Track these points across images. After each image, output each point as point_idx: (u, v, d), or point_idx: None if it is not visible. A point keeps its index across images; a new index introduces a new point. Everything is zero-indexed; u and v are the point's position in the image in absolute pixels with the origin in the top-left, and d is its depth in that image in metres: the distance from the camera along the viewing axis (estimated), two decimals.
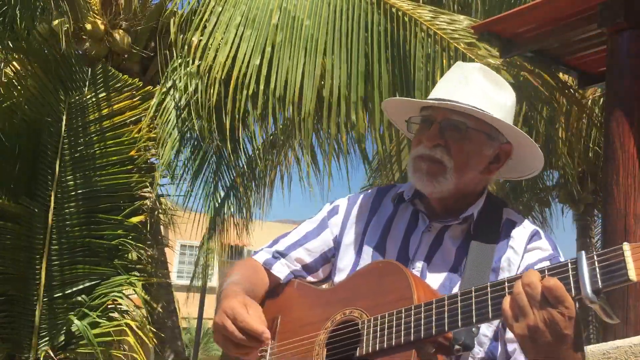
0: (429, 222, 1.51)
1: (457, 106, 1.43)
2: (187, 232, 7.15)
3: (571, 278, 1.07)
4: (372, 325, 1.33)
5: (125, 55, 6.41)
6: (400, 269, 1.39)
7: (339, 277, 1.57)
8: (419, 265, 1.47)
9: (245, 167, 7.14)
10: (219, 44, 4.44)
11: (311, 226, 1.66)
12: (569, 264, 1.08)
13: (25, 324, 5.28)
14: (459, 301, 1.21)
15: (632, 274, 1.00)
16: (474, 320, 1.18)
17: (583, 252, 1.07)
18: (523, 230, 1.46)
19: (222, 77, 4.40)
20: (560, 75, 5.03)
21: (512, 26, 3.91)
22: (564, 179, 7.82)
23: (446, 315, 1.22)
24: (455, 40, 4.25)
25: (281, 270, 1.61)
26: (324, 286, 1.66)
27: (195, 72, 4.60)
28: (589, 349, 2.39)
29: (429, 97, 1.53)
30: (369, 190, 1.69)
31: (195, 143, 6.39)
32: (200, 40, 4.54)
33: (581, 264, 1.05)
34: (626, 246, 1.02)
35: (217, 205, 7.42)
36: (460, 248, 1.45)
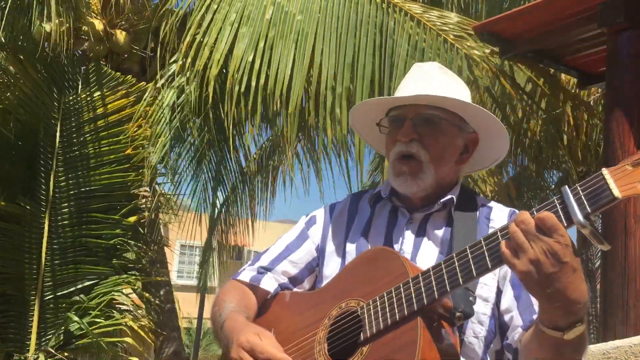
0: (410, 215, 1.54)
1: (430, 97, 1.47)
2: (187, 232, 7.14)
3: (560, 211, 1.12)
4: (371, 308, 1.33)
5: (125, 56, 6.41)
6: (389, 251, 1.41)
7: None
8: (407, 256, 1.49)
9: (245, 167, 7.14)
10: (215, 41, 4.44)
11: (291, 238, 1.67)
12: (555, 200, 1.13)
13: (24, 324, 5.27)
14: (455, 261, 1.23)
15: (616, 192, 1.06)
16: (474, 274, 1.20)
17: (566, 186, 1.13)
18: (501, 213, 1.52)
19: (217, 74, 4.40)
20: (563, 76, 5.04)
21: (512, 26, 3.91)
22: (564, 178, 7.81)
23: (446, 277, 1.24)
24: (444, 32, 4.24)
25: (269, 283, 1.60)
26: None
27: (190, 70, 4.57)
28: (589, 349, 2.38)
29: (394, 95, 1.56)
30: (343, 199, 1.72)
31: (193, 141, 6.39)
32: (195, 38, 4.53)
33: (567, 195, 1.11)
34: (605, 171, 1.09)
35: (218, 205, 7.42)
36: (444, 233, 1.49)
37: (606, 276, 3.31)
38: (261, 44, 4.34)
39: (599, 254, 7.39)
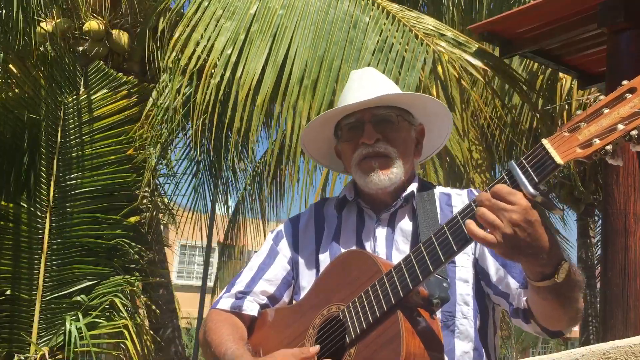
0: (377, 217, 1.58)
1: (391, 96, 1.55)
2: (187, 232, 7.15)
3: (511, 185, 1.17)
4: (352, 310, 1.36)
5: (126, 56, 6.40)
6: (360, 252, 1.46)
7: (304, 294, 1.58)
8: (382, 255, 1.53)
9: (252, 168, 7.13)
10: (200, 36, 4.47)
11: (262, 258, 1.68)
12: (505, 176, 1.18)
13: (24, 324, 5.28)
14: (423, 250, 1.28)
15: (558, 160, 1.12)
16: (442, 259, 1.25)
17: (512, 161, 1.18)
18: (459, 197, 1.60)
19: (196, 68, 4.42)
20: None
21: (512, 26, 3.91)
22: (564, 178, 7.82)
23: (417, 267, 1.28)
24: (415, 28, 4.26)
25: (251, 307, 1.60)
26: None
27: (175, 65, 4.56)
28: (589, 349, 2.38)
29: (344, 104, 1.59)
30: (306, 210, 1.75)
31: (190, 142, 6.40)
32: (182, 34, 4.54)
33: (515, 170, 1.16)
34: (545, 141, 1.14)
35: (221, 207, 7.43)
36: (411, 226, 1.55)
37: (606, 276, 3.31)
38: (241, 37, 4.38)
39: (599, 253, 7.39)
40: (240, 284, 1.63)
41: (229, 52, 4.35)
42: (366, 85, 1.61)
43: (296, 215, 1.74)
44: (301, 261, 1.63)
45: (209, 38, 4.44)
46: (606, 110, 1.10)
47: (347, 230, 1.61)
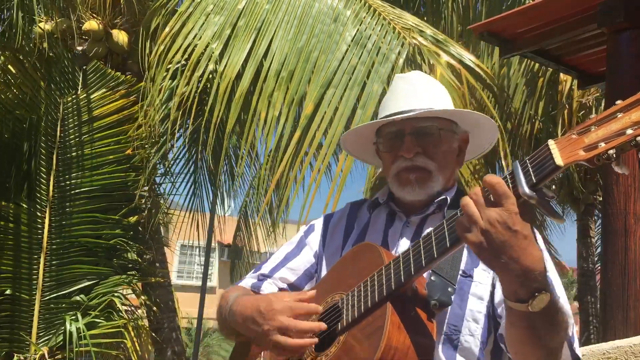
0: (407, 219, 1.57)
1: (425, 113, 1.52)
2: (187, 232, 7.14)
3: (510, 184, 1.13)
4: (349, 299, 1.38)
5: (125, 55, 6.40)
6: (371, 245, 1.46)
7: None
8: None
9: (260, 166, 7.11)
10: (189, 31, 4.49)
11: (290, 247, 1.72)
12: (507, 174, 1.15)
13: (24, 324, 5.27)
14: (421, 244, 1.27)
15: (558, 161, 1.08)
16: (435, 254, 1.23)
17: (517, 160, 1.15)
18: None
19: (181, 62, 4.44)
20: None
21: (512, 26, 3.91)
22: (564, 179, 7.81)
23: (412, 260, 1.27)
24: (393, 22, 4.26)
25: (269, 289, 1.64)
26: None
27: (163, 60, 4.56)
28: (589, 348, 2.38)
29: (387, 114, 1.58)
30: (342, 208, 1.75)
31: (187, 140, 6.41)
32: (172, 29, 4.55)
33: (516, 169, 1.12)
34: (551, 141, 1.11)
35: (224, 206, 7.42)
36: None
37: (606, 276, 3.31)
38: (227, 32, 4.40)
39: (599, 252, 7.39)
40: (264, 268, 1.69)
41: (214, 45, 4.40)
42: (408, 95, 1.58)
43: (331, 212, 1.77)
44: (326, 256, 1.65)
45: (198, 32, 4.48)
46: (620, 115, 1.06)
47: (374, 229, 1.61)
